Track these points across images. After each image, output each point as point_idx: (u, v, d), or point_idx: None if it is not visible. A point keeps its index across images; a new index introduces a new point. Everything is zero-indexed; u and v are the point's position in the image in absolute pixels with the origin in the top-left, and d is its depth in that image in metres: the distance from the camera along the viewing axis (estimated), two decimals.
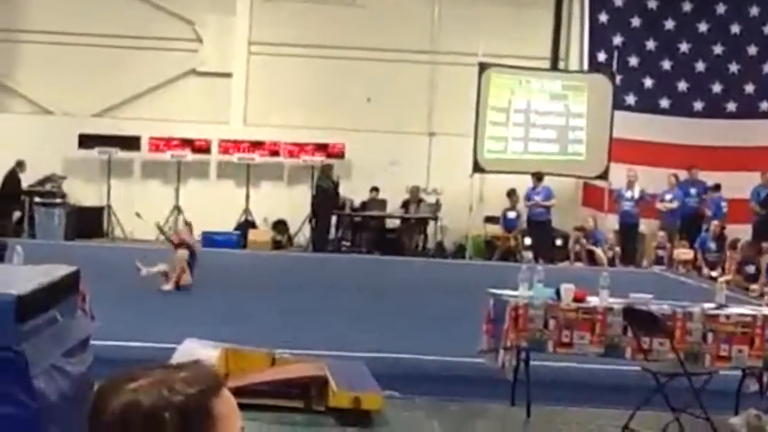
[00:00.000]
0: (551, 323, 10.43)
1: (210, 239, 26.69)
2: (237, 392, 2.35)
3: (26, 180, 28.03)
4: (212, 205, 28.01)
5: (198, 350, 10.73)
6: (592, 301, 10.68)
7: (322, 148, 28.81)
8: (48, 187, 28.37)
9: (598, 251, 27.02)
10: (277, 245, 28.04)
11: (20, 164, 27.68)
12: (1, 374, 6.08)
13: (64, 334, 7.19)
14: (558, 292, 10.61)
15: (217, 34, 29.43)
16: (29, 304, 6.41)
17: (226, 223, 28.09)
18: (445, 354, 12.76)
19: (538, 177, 27.72)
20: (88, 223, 28.32)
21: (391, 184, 28.60)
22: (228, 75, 29.37)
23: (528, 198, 27.99)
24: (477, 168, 28.15)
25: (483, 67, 27.97)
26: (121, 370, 2.17)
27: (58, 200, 28.04)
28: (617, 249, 27.38)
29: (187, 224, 21.82)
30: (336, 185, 27.84)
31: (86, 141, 28.45)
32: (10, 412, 6.07)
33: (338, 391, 9.90)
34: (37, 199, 27.77)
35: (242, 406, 2.19)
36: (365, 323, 15.76)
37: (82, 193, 28.84)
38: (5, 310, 6.15)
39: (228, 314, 15.69)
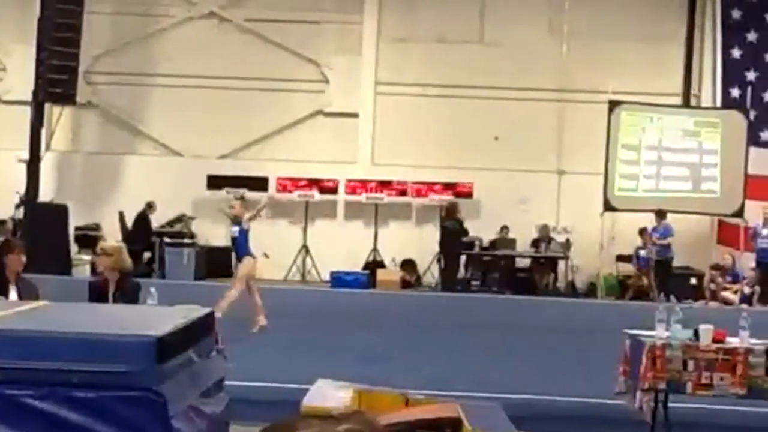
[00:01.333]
0: (690, 364, 10.17)
1: (339, 279, 26.75)
2: None
3: (156, 221, 28.40)
4: (340, 245, 28.08)
5: (330, 391, 10.66)
6: (732, 341, 10.37)
7: (450, 187, 28.71)
8: (177, 227, 28.73)
9: (727, 294, 26.45)
10: (405, 285, 27.92)
11: (150, 205, 28.08)
12: (141, 414, 6.08)
13: (200, 374, 7.20)
14: (696, 333, 10.32)
15: (343, 74, 29.55)
16: (168, 345, 6.41)
17: (354, 263, 28.07)
18: (579, 395, 12.52)
19: (660, 215, 27.21)
20: (217, 262, 28.45)
21: (520, 222, 28.35)
22: (355, 115, 29.44)
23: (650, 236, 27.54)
24: (608, 206, 27.76)
25: (613, 105, 27.64)
26: (282, 420, 2.15)
27: (187, 240, 28.33)
28: (756, 288, 26.70)
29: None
30: (461, 224, 27.62)
31: (215, 182, 28.73)
32: None
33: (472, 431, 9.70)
34: (166, 240, 28.10)
35: None
36: (498, 364, 15.54)
37: (211, 233, 29.05)
38: (146, 351, 6.16)
39: (358, 354, 15.58)
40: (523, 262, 28.86)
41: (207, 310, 7.87)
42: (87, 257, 27.64)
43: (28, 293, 10.91)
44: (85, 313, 8.31)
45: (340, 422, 2.10)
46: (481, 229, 28.62)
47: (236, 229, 19.03)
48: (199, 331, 7.43)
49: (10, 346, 6.23)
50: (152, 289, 10.96)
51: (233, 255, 28.24)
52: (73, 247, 28.08)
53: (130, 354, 6.15)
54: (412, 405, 10.72)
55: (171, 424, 6.14)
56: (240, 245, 19.00)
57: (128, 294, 11.26)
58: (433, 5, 29.49)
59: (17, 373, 6.13)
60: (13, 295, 11.01)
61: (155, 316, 7.67)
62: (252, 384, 11.43)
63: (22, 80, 28.27)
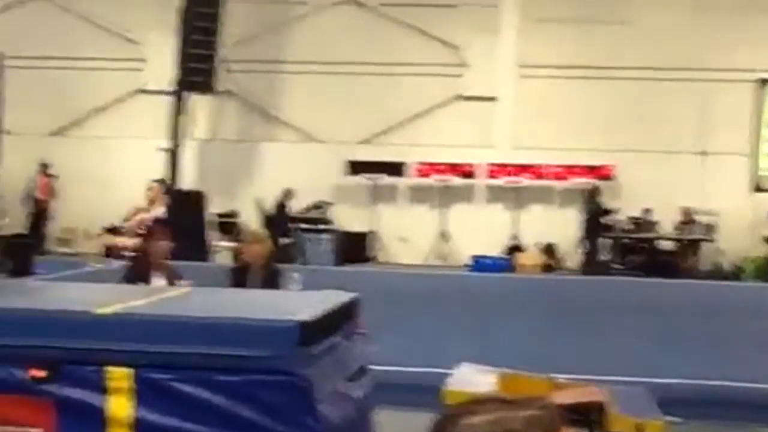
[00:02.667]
0: None
1: (479, 263, 26.67)
2: None
3: (295, 207, 28.54)
4: (479, 230, 27.94)
5: (474, 375, 10.56)
6: None
7: (591, 170, 28.33)
8: (315, 213, 28.84)
9: None
10: (546, 269, 27.63)
11: (289, 192, 28.22)
12: (286, 399, 6.09)
13: (345, 359, 7.19)
14: None
15: (481, 57, 29.33)
16: (312, 330, 6.39)
17: (494, 247, 27.88)
18: (728, 378, 12.20)
19: None
20: (355, 248, 28.60)
21: (662, 204, 27.83)
22: (493, 99, 29.19)
23: None
24: (756, 186, 27.07)
25: (763, 83, 26.91)
26: (463, 403, 2.15)
27: (325, 226, 28.45)
28: None
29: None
30: (600, 206, 27.22)
31: (353, 167, 28.79)
32: None
33: (620, 417, 9.46)
34: (305, 226, 28.24)
35: None
36: (643, 347, 15.21)
37: (349, 218, 29.16)
38: (289, 336, 6.15)
39: (500, 338, 15.42)
40: (665, 245, 28.34)
41: (351, 294, 7.81)
42: (226, 244, 27.93)
43: (173, 279, 11.00)
44: (228, 297, 8.36)
45: (520, 408, 2.09)
46: (622, 212, 28.20)
47: None
48: (343, 316, 7.41)
49: (155, 331, 6.25)
50: (295, 275, 10.94)
51: (373, 242, 28.59)
52: (212, 234, 28.36)
53: (275, 338, 6.15)
54: (556, 389, 10.52)
55: (317, 408, 6.12)
56: None
57: (271, 280, 11.26)
58: None
59: (162, 357, 6.16)
60: (159, 281, 11.10)
61: (299, 301, 7.67)
62: (394, 368, 11.31)
63: (162, 70, 28.68)
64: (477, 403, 2.12)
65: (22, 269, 22.57)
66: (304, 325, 6.26)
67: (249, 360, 6.09)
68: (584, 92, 28.61)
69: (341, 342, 7.15)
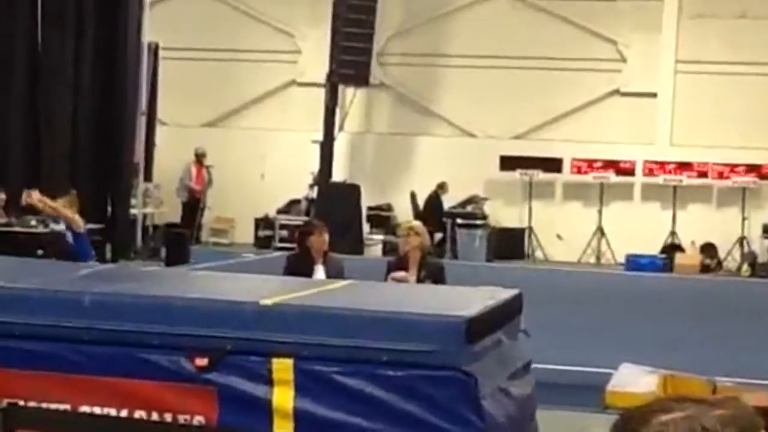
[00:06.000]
0: None
1: (635, 262, 26.36)
2: None
3: (448, 201, 28.46)
4: (636, 228, 27.52)
5: (636, 376, 10.43)
6: None
7: (754, 168, 27.64)
8: (469, 208, 28.73)
9: None
10: (705, 269, 27.04)
11: (442, 186, 28.16)
12: (451, 394, 6.07)
13: (508, 356, 7.13)
14: None
15: (642, 53, 28.81)
16: (478, 326, 6.37)
17: (651, 246, 27.39)
18: None
19: None
20: (509, 244, 28.42)
21: None
22: (653, 95, 28.69)
23: None
24: None
25: None
26: (653, 401, 2.11)
27: (479, 222, 28.31)
28: None
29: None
30: None
31: (508, 163, 28.56)
32: (459, 431, 6.06)
33: None
34: (458, 221, 28.15)
35: None
36: None
37: (503, 214, 28.99)
38: (456, 332, 6.13)
39: (659, 339, 15.15)
40: None
41: (514, 291, 7.73)
42: (379, 237, 28.03)
43: (335, 272, 11.02)
44: (392, 292, 8.33)
45: (715, 407, 2.07)
46: None
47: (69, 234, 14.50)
48: (507, 313, 7.34)
49: (321, 323, 6.27)
50: None
51: (528, 238, 28.34)
52: (365, 227, 28.44)
53: (440, 334, 6.13)
54: (720, 392, 10.23)
55: (482, 405, 6.08)
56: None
57: (433, 274, 11.18)
58: None
59: (327, 349, 6.18)
60: (320, 274, 11.15)
61: (463, 297, 7.63)
62: (553, 367, 11.14)
63: (316, 62, 28.83)
64: (673, 400, 2.09)
65: (177, 258, 22.91)
66: (470, 321, 6.23)
67: (414, 354, 6.09)
68: (746, 89, 27.89)
69: (505, 339, 7.09)
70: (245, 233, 29.20)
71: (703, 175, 28.00)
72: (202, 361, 6.20)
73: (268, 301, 6.46)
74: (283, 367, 6.16)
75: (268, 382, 6.17)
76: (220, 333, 6.23)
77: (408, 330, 6.15)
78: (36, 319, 6.41)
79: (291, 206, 29.11)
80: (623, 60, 29.11)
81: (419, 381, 6.07)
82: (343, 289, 7.83)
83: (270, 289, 7.37)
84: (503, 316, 7.18)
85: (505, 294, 7.58)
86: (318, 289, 7.69)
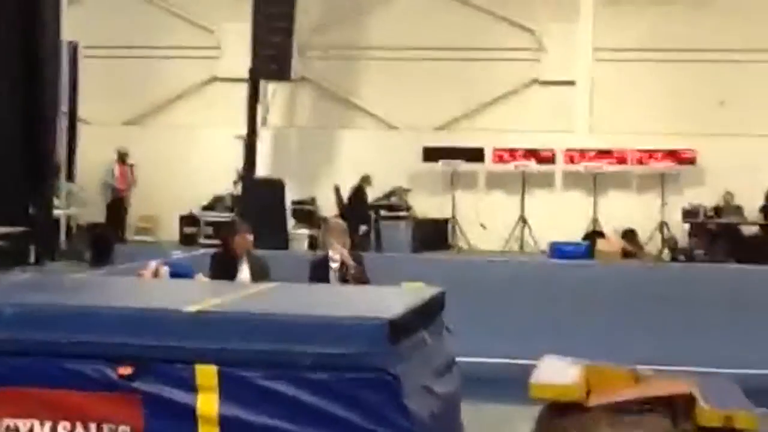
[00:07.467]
0: None
1: (558, 250, 26.49)
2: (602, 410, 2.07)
3: (372, 194, 28.48)
4: (558, 216, 27.75)
5: (559, 368, 10.45)
6: None
7: (671, 154, 27.98)
8: (393, 200, 28.79)
9: None
10: (626, 255, 27.32)
11: (366, 179, 28.16)
12: (376, 396, 6.10)
13: (432, 355, 7.15)
14: None
15: (560, 42, 29.02)
16: (401, 327, 6.38)
17: (573, 233, 27.64)
18: None
19: None
20: (433, 235, 28.55)
21: (747, 189, 27.42)
22: (571, 83, 28.92)
23: None
24: None
25: None
26: None
27: (403, 213, 28.40)
28: None
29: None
30: None
31: (430, 154, 28.67)
32: None
33: (708, 408, 9.25)
34: (382, 213, 28.20)
35: None
36: (730, 336, 14.93)
37: (427, 205, 29.08)
38: (379, 334, 6.14)
39: (583, 328, 15.20)
40: (750, 230, 27.92)
41: (438, 290, 7.78)
42: (304, 232, 27.97)
43: (259, 271, 11.05)
44: (315, 294, 8.33)
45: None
46: (705, 197, 27.84)
47: None
48: (430, 311, 7.38)
49: (245, 329, 6.27)
50: None
51: (452, 229, 28.45)
52: (290, 222, 28.39)
53: (363, 336, 6.14)
54: (642, 381, 10.35)
55: (405, 405, 6.11)
56: None
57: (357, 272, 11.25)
58: None
59: (251, 355, 6.19)
60: (245, 272, 11.19)
61: (386, 298, 7.65)
62: (475, 359, 11.15)
63: (237, 58, 28.67)
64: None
65: (102, 258, 22.72)
66: (393, 323, 6.25)
67: (338, 357, 6.10)
68: (665, 75, 28.23)
69: (429, 337, 7.11)
70: (170, 231, 29.05)
71: (622, 161, 28.31)
72: (126, 370, 6.18)
73: (191, 308, 6.45)
74: (207, 374, 6.16)
75: (193, 389, 6.16)
76: (144, 341, 6.21)
77: (331, 333, 6.15)
78: None
79: (216, 202, 29.03)
80: (542, 49, 29.29)
81: (344, 384, 6.08)
82: (268, 292, 7.80)
83: (194, 295, 7.37)
84: (426, 315, 7.20)
85: (429, 292, 7.63)
86: (242, 293, 7.65)
